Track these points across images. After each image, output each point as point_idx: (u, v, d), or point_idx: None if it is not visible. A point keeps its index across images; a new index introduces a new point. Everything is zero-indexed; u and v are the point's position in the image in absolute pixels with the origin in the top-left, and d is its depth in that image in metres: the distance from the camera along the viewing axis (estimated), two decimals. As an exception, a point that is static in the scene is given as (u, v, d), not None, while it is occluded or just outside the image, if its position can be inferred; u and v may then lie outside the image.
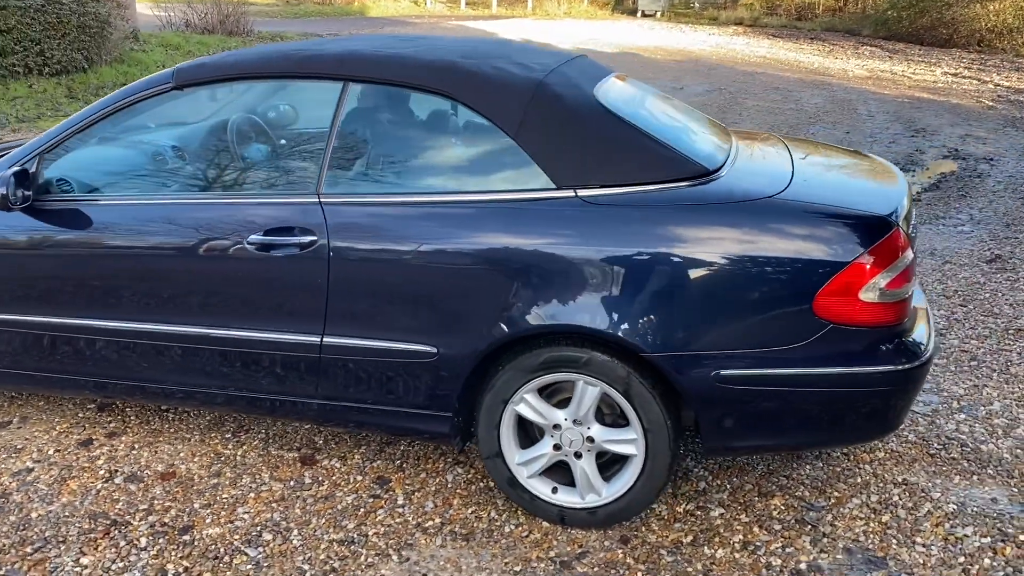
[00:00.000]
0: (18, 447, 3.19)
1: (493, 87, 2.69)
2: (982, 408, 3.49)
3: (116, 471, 3.05)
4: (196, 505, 2.87)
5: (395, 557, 2.63)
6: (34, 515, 2.80)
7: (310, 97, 2.92)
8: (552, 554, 2.65)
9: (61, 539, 2.69)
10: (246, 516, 2.81)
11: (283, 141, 2.98)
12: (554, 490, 2.76)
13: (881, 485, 2.98)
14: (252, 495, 2.92)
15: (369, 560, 2.61)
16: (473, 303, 2.62)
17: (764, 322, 2.49)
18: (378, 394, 2.77)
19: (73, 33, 10.62)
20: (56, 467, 3.07)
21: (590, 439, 2.67)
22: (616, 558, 2.63)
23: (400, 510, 2.85)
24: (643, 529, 2.75)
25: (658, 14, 30.66)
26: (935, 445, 3.22)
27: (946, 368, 3.84)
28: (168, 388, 2.97)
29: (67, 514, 2.82)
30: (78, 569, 2.56)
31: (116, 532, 2.73)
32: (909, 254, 2.52)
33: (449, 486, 2.98)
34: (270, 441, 3.26)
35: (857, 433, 2.68)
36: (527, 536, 2.73)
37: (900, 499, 2.90)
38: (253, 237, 2.72)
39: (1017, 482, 2.99)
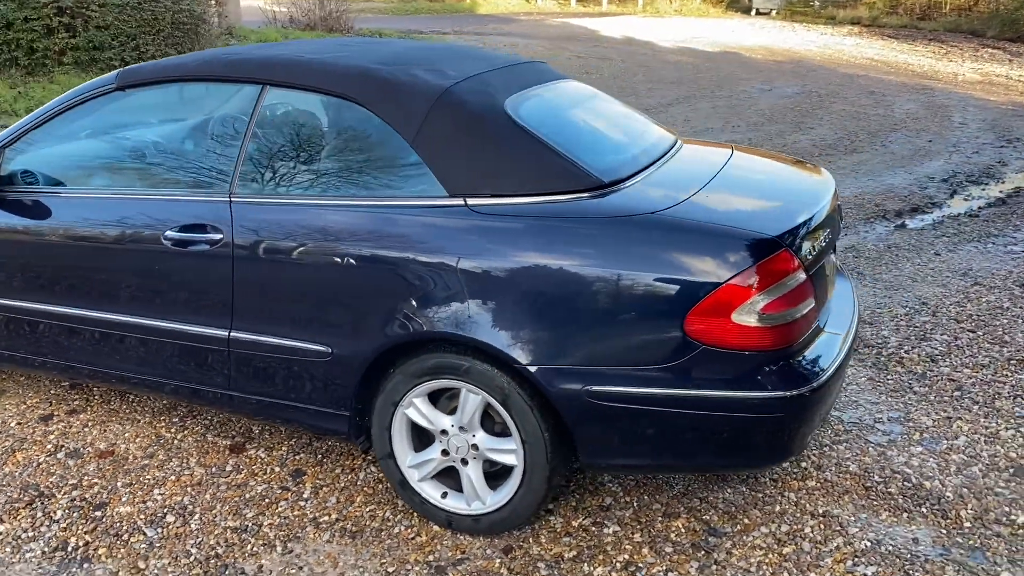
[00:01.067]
0: (-13, 418, 3.45)
1: (398, 93, 2.72)
2: (944, 442, 3.27)
3: (61, 446, 3.26)
4: (119, 484, 3.03)
5: (279, 548, 2.70)
6: (-25, 482, 3.04)
7: (236, 100, 3.03)
8: (431, 558, 2.66)
9: (-11, 506, 2.91)
10: (159, 497, 2.96)
11: (210, 141, 3.10)
12: (444, 495, 2.77)
13: (798, 515, 2.84)
14: (172, 478, 3.07)
15: (254, 549, 2.70)
16: (365, 306, 2.66)
17: (635, 340, 2.43)
18: (283, 390, 2.85)
19: (167, 29, 11.25)
20: (12, 439, 3.31)
21: (475, 446, 2.67)
22: (492, 567, 2.62)
23: (302, 503, 2.93)
24: (530, 540, 2.73)
25: (773, 12, 29.77)
26: (875, 478, 3.05)
27: (924, 397, 3.62)
28: (102, 371, 3.16)
29: (4, 483, 3.03)
30: (-8, 535, 2.76)
31: (38, 503, 2.92)
32: (797, 276, 2.40)
33: (358, 484, 3.03)
34: (211, 428, 3.40)
35: (745, 459, 2.58)
36: (414, 538, 2.76)
37: (812, 531, 2.77)
38: (169, 232, 2.85)
39: (950, 523, 2.80)
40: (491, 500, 2.70)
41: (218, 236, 2.78)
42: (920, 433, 3.33)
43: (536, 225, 2.50)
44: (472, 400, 2.61)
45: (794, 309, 2.41)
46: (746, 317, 2.33)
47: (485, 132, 2.65)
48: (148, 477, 3.07)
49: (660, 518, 2.84)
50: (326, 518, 2.85)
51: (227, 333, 2.84)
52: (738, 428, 2.46)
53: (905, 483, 3.02)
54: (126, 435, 3.34)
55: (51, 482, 3.04)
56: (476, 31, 21.71)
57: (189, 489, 3.00)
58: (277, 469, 3.12)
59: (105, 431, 3.37)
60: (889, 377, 3.78)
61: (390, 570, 2.61)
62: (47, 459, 3.18)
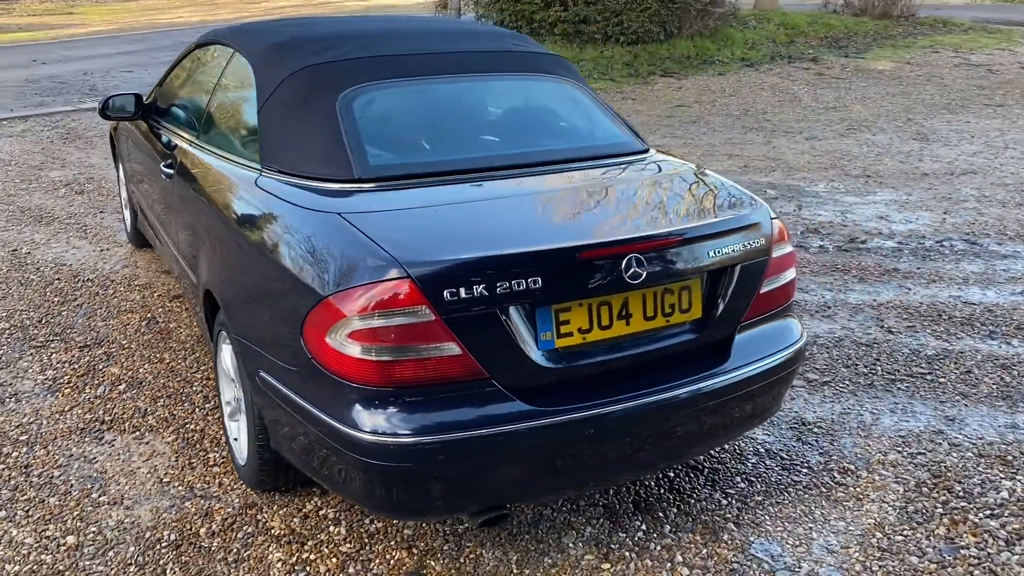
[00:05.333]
0: None
1: (271, 67, 2.87)
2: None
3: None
4: None
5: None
6: None
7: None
8: (199, 484, 2.92)
9: None
10: None
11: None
12: (236, 439, 2.94)
13: None
14: None
15: (126, 428, 3.27)
16: (197, 248, 2.99)
17: (283, 335, 2.32)
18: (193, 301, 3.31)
19: (654, 7, 11.81)
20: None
21: (238, 399, 2.80)
22: (214, 510, 2.76)
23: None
24: (273, 507, 2.78)
25: None
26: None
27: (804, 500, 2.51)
28: None
29: None
30: None
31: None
32: (417, 312, 2.02)
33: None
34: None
35: (356, 497, 2.26)
36: (213, 467, 3.03)
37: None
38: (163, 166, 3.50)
39: None
40: (245, 456, 2.82)
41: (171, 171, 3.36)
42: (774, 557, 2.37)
43: (279, 206, 2.51)
44: (226, 351, 2.76)
45: (404, 347, 2.04)
46: (339, 340, 2.07)
47: (303, 115, 2.64)
48: None
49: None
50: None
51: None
52: (335, 459, 2.20)
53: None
54: None
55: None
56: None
57: None
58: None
59: None
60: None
61: (165, 479, 2.94)
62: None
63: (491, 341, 2.09)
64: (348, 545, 2.60)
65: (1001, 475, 2.97)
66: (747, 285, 2.45)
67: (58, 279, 4.65)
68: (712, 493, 2.87)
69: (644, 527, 2.69)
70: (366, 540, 2.61)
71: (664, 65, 11.63)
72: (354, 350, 2.04)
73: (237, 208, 2.69)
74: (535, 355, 2.14)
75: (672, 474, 2.97)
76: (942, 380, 3.64)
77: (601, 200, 2.51)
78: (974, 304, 4.39)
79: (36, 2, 23.85)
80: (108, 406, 3.38)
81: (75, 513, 2.74)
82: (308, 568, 2.51)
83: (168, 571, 2.50)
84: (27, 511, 2.75)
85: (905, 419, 3.33)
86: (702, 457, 3.07)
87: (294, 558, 2.55)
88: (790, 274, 2.61)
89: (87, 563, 2.52)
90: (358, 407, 2.08)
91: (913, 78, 11.40)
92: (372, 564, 2.52)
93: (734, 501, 2.82)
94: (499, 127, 2.89)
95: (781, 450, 3.12)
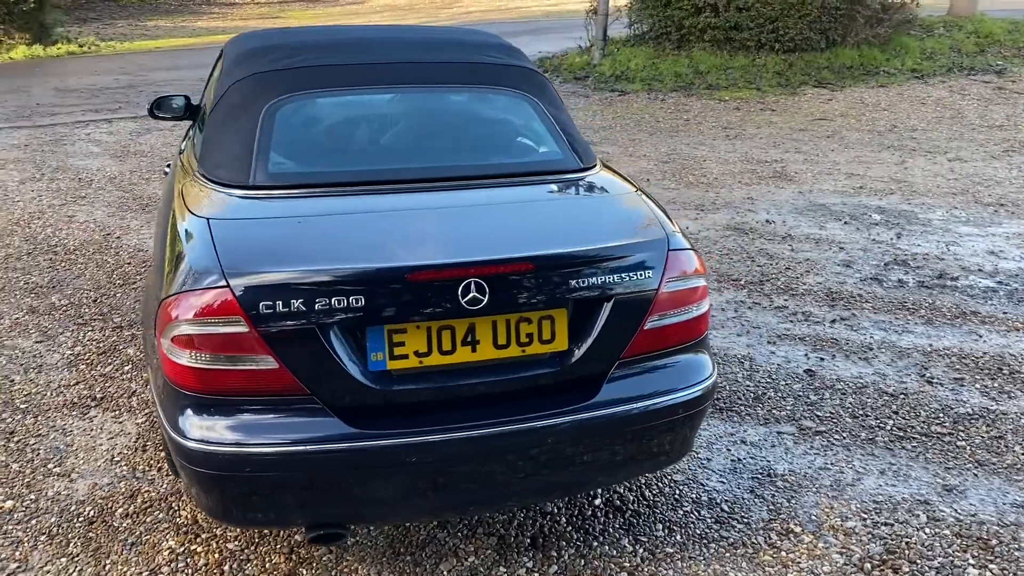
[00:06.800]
0: None
1: (233, 68, 2.96)
2: None
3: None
4: None
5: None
6: None
7: None
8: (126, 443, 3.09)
9: None
10: None
11: None
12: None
13: None
14: None
15: (112, 406, 3.52)
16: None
17: (149, 337, 2.42)
18: None
19: (814, 13, 11.11)
20: None
21: None
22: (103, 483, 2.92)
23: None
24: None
25: None
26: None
27: None
28: None
29: None
30: None
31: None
32: (231, 324, 2.03)
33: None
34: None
35: (194, 500, 2.36)
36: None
37: None
38: None
39: None
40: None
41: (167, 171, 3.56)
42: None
43: (180, 209, 2.56)
44: None
45: (220, 356, 2.06)
46: (168, 344, 2.12)
47: (233, 122, 2.67)
48: None
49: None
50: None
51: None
52: (176, 460, 2.25)
53: None
54: None
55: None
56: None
57: None
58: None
59: None
60: None
61: (116, 459, 3.15)
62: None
63: (310, 358, 2.07)
64: (235, 543, 2.66)
65: (971, 561, 2.58)
66: (626, 320, 2.26)
67: (129, 264, 5.07)
68: (621, 537, 2.68)
69: (530, 564, 2.57)
70: (254, 541, 2.66)
71: (820, 75, 10.92)
72: (180, 355, 2.08)
73: (163, 211, 2.81)
74: (359, 375, 2.09)
75: (589, 510, 2.81)
76: (961, 444, 3.20)
77: (477, 220, 2.40)
78: (1049, 360, 3.83)
79: (253, 6, 25.99)
80: (106, 384, 3.65)
81: (25, 480, 2.98)
82: (190, 560, 2.59)
83: (71, 544, 2.66)
84: (-12, 473, 3.03)
85: (892, 483, 2.96)
86: (630, 496, 2.88)
87: (183, 548, 2.64)
88: (697, 310, 2.39)
89: (10, 527, 2.74)
90: (184, 412, 2.12)
91: (1113, 95, 10.03)
92: (248, 565, 2.57)
93: (641, 550, 2.63)
94: (422, 141, 2.84)
95: (726, 500, 2.87)
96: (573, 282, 2.19)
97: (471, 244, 2.21)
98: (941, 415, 3.40)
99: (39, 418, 3.39)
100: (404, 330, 2.12)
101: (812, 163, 7.40)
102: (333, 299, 2.04)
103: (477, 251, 2.16)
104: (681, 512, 2.81)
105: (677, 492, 2.91)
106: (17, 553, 2.63)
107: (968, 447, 3.18)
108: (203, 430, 2.09)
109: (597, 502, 2.85)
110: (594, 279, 2.20)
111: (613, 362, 2.29)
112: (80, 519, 2.78)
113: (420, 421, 2.14)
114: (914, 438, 3.24)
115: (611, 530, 2.72)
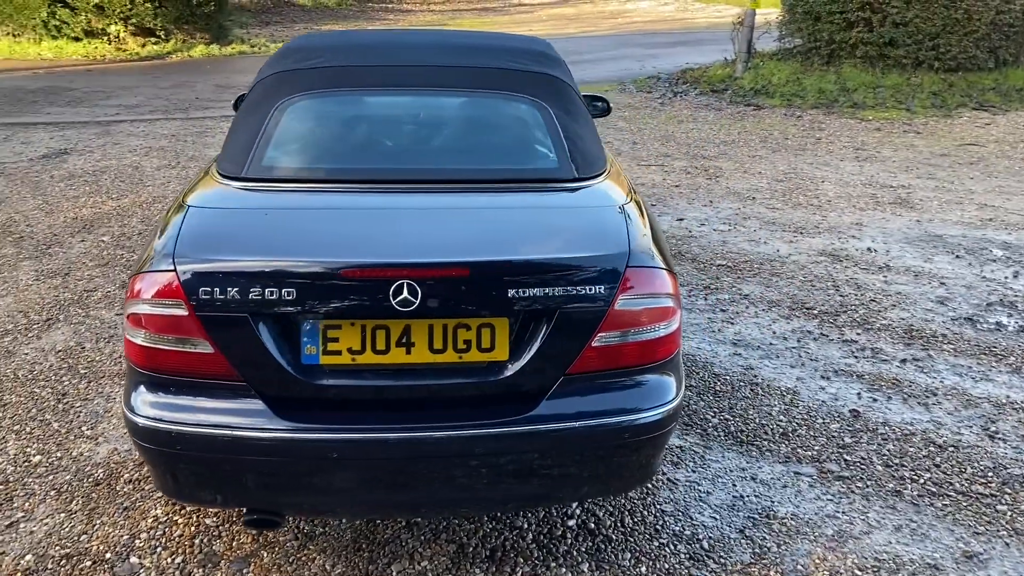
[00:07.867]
0: None
1: (266, 66, 3.07)
2: None
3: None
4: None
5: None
6: None
7: None
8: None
9: None
10: None
11: None
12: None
13: None
14: None
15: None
16: None
17: None
18: None
19: (982, 30, 10.27)
20: None
21: None
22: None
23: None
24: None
25: None
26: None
27: None
28: None
29: None
30: None
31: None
32: (177, 306, 2.13)
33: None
34: None
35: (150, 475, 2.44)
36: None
37: None
38: None
39: None
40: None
41: None
42: None
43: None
44: None
45: (162, 337, 2.16)
46: (125, 320, 2.25)
47: (250, 117, 2.76)
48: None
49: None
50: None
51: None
52: None
53: None
54: None
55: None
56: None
57: None
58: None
59: None
60: None
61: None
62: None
63: (243, 346, 2.13)
64: (212, 519, 2.77)
65: (962, 639, 2.31)
66: (571, 335, 2.19)
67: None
68: (583, 562, 2.59)
69: (480, 576, 2.53)
70: (231, 520, 2.77)
71: (983, 97, 10.07)
72: (134, 334, 2.20)
73: None
74: (289, 367, 2.13)
75: (560, 530, 2.73)
76: (1002, 508, 2.87)
77: (428, 224, 2.36)
78: None
79: (427, 13, 26.88)
80: (159, 359, 3.90)
81: (59, 439, 3.24)
82: (168, 529, 2.73)
83: (73, 503, 2.87)
84: (32, 429, 3.30)
85: (905, 541, 2.70)
86: (608, 520, 2.77)
87: (166, 518, 2.78)
88: (662, 330, 2.27)
89: (29, 480, 2.99)
90: (137, 388, 2.24)
91: None
92: (217, 541, 2.67)
93: (599, 577, 2.53)
94: (419, 143, 2.84)
95: (709, 538, 2.71)
96: (514, 292, 2.14)
97: (407, 247, 2.20)
98: (990, 473, 3.06)
99: (92, 384, 3.66)
100: (339, 326, 2.14)
101: (943, 190, 6.84)
102: (266, 290, 2.09)
103: (411, 254, 2.15)
104: (656, 543, 2.68)
105: (660, 522, 2.78)
106: (27, 504, 2.85)
107: (1009, 512, 2.85)
108: (147, 407, 2.20)
109: (571, 523, 2.77)
110: (537, 290, 2.14)
111: (557, 377, 2.21)
112: (89, 480, 2.99)
113: (347, 417, 2.16)
114: (948, 495, 2.93)
115: (575, 553, 2.63)
